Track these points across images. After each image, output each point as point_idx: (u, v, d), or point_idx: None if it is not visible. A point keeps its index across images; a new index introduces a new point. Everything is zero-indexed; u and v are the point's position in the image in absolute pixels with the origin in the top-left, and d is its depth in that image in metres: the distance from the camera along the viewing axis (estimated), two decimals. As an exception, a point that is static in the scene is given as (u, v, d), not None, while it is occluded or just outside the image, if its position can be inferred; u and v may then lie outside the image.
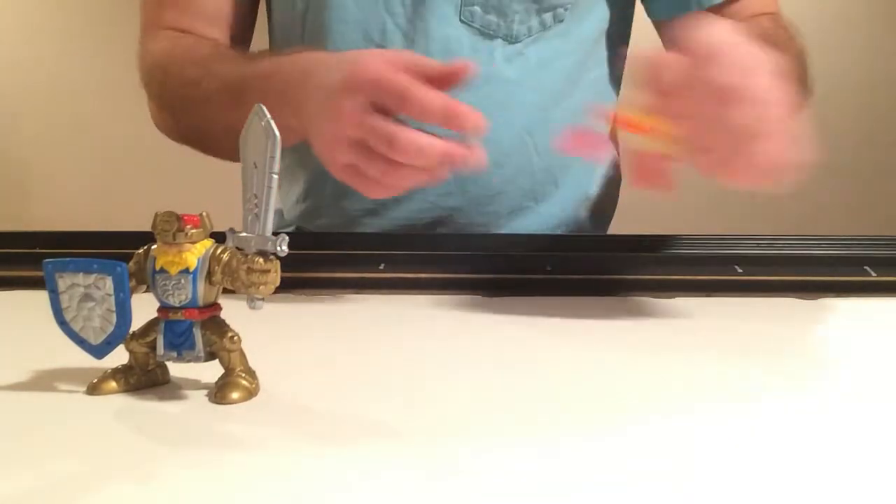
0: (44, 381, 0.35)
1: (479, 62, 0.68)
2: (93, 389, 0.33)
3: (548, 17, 0.70)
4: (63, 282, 0.32)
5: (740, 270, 0.59)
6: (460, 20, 0.68)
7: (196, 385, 0.35)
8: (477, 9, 0.67)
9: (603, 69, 0.75)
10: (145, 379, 0.34)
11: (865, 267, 0.59)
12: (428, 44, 0.68)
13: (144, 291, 0.33)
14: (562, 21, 0.70)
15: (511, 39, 0.69)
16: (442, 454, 0.27)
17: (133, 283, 0.33)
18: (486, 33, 0.68)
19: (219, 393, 0.32)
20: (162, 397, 0.33)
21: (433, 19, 0.67)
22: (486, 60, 0.68)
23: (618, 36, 0.75)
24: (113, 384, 0.33)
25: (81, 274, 0.32)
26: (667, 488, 0.24)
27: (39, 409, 0.32)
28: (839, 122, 2.70)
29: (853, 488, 0.24)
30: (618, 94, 0.77)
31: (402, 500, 0.24)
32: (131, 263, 0.33)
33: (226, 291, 0.34)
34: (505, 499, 0.24)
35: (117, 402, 0.32)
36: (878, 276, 0.58)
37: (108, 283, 0.32)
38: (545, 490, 0.24)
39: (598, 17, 0.73)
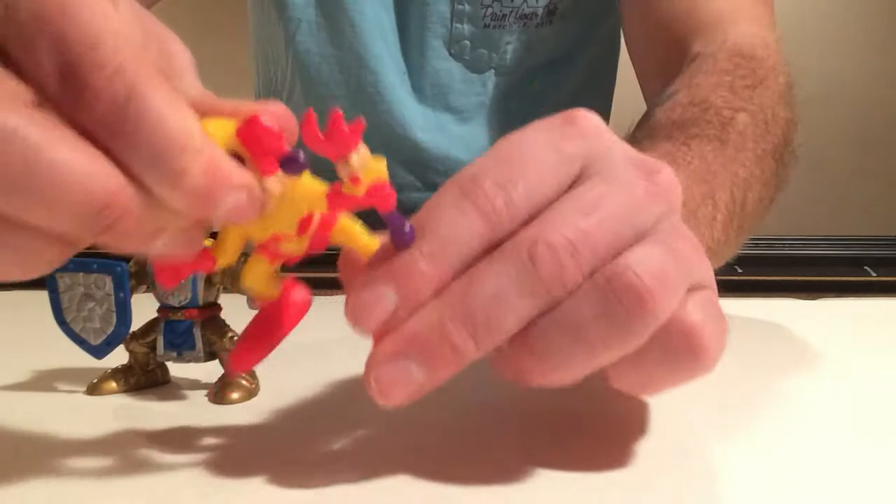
0: (44, 381, 0.35)
1: (471, 95, 0.68)
2: (93, 389, 0.33)
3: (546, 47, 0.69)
4: (63, 282, 0.32)
5: (740, 270, 0.59)
6: (450, 54, 0.67)
7: (196, 385, 0.35)
8: (466, 43, 0.67)
9: (605, 99, 0.75)
10: (145, 379, 0.34)
11: (865, 267, 0.59)
12: (420, 77, 0.68)
13: (144, 291, 0.33)
14: (562, 51, 0.70)
15: (507, 72, 0.68)
16: (441, 456, 0.27)
17: (133, 283, 0.33)
18: (478, 67, 0.68)
19: (219, 393, 0.32)
20: (162, 397, 0.33)
21: (423, 53, 0.67)
22: (480, 93, 0.68)
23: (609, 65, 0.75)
24: (113, 384, 0.34)
25: (81, 274, 0.32)
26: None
27: (39, 409, 0.32)
28: (840, 122, 2.70)
29: (857, 490, 0.24)
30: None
31: (404, 500, 0.24)
32: (131, 263, 0.33)
33: (226, 291, 0.34)
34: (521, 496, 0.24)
35: (117, 402, 0.32)
36: (878, 276, 0.58)
37: (108, 283, 0.32)
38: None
39: (597, 45, 0.72)
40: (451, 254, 0.22)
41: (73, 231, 0.19)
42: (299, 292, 0.25)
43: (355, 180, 0.22)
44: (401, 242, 0.23)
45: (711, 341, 0.23)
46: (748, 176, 0.41)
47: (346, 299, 0.23)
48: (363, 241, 0.24)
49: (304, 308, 0.25)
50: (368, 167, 0.22)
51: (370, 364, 0.23)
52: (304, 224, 0.23)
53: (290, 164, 0.21)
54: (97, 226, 0.19)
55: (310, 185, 0.22)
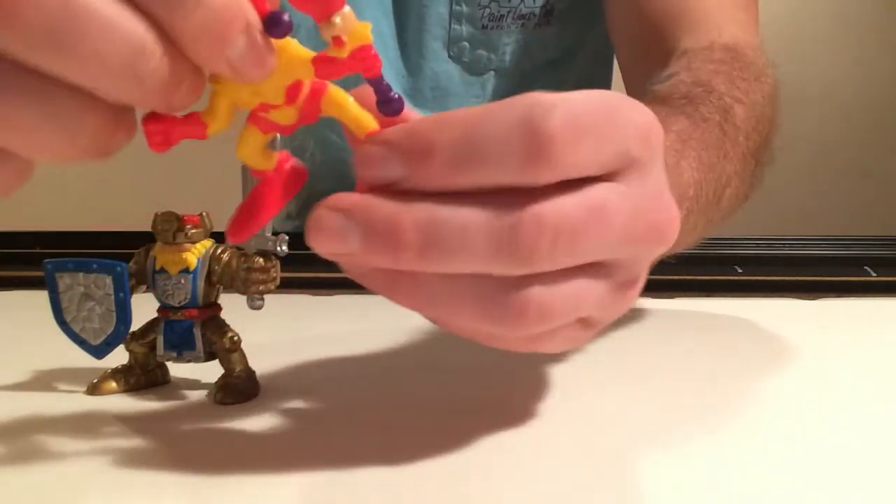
0: (44, 381, 0.35)
1: (470, 97, 0.68)
2: (93, 389, 0.33)
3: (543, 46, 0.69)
4: (63, 282, 0.32)
5: (740, 270, 0.59)
6: (449, 56, 0.67)
7: (196, 385, 0.35)
8: (465, 44, 0.67)
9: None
10: (145, 379, 0.34)
11: (865, 267, 0.59)
12: (419, 80, 0.68)
13: (144, 291, 0.33)
14: (560, 53, 0.70)
15: (506, 74, 0.68)
16: (437, 454, 0.27)
17: (133, 283, 0.33)
18: (477, 69, 0.68)
19: (219, 393, 0.32)
20: (162, 397, 0.33)
21: (423, 56, 0.67)
22: (479, 95, 0.68)
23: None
24: (113, 384, 0.34)
25: (81, 274, 0.32)
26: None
27: (39, 409, 0.32)
28: (840, 122, 2.70)
29: (858, 488, 0.24)
30: None
31: (404, 497, 0.24)
32: (131, 263, 0.33)
33: (226, 291, 0.34)
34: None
35: (117, 402, 0.32)
36: (878, 276, 0.58)
37: (108, 283, 0.32)
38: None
39: (592, 46, 0.72)
40: (469, 168, 0.21)
41: (109, 83, 0.19)
42: (295, 163, 0.25)
43: (339, 42, 0.21)
44: (388, 109, 0.22)
45: None
46: (732, 173, 0.41)
47: (356, 149, 0.23)
48: (353, 112, 0.23)
49: (302, 179, 0.25)
50: (353, 30, 0.21)
51: (324, 202, 0.22)
52: (291, 92, 0.22)
53: (273, 25, 0.20)
54: (132, 75, 0.19)
55: (296, 51, 0.22)
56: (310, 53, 0.22)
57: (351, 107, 0.23)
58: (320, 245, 0.22)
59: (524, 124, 0.21)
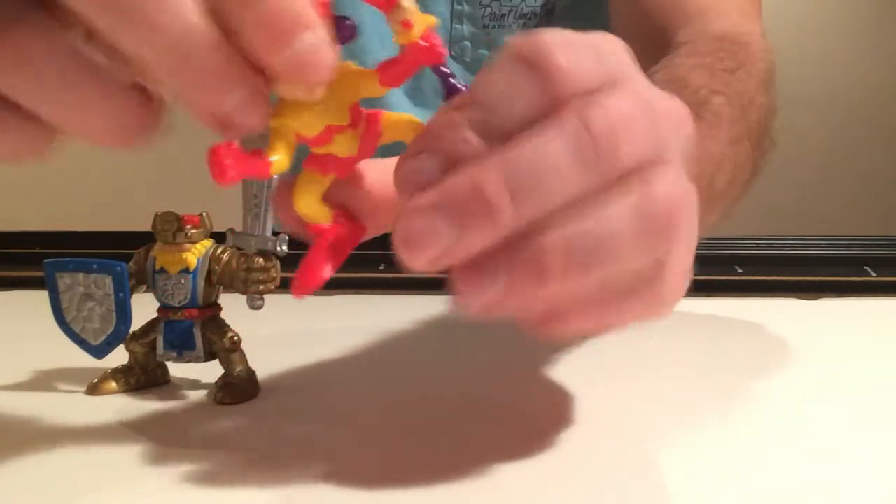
0: (44, 381, 0.35)
1: None
2: (93, 389, 0.33)
3: None
4: (63, 282, 0.32)
5: (740, 270, 0.59)
6: (450, 56, 0.67)
7: (196, 385, 0.35)
8: (467, 44, 0.67)
9: None
10: (145, 379, 0.34)
11: (865, 267, 0.59)
12: (420, 80, 0.68)
13: (144, 291, 0.33)
14: None
15: None
16: (438, 455, 0.27)
17: (133, 282, 0.33)
18: (478, 68, 0.68)
19: (219, 393, 0.32)
20: (162, 397, 0.33)
21: None
22: None
23: None
24: (113, 384, 0.34)
25: (81, 274, 0.32)
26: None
27: (39, 409, 0.32)
28: (839, 121, 2.70)
29: (858, 488, 0.24)
30: None
31: (404, 498, 0.24)
32: (131, 263, 0.33)
33: (226, 291, 0.34)
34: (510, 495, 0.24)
35: (117, 402, 0.32)
36: (878, 276, 0.58)
37: (108, 283, 0.32)
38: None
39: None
40: (497, 123, 0.21)
41: (158, 58, 0.19)
42: (354, 219, 0.24)
43: (407, 24, 0.22)
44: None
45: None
46: (720, 155, 0.40)
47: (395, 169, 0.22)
48: (415, 121, 0.23)
49: (360, 233, 0.24)
50: (420, 14, 0.22)
51: (401, 215, 0.21)
52: (354, 113, 0.23)
53: (340, 30, 0.21)
54: (180, 54, 0.19)
55: (356, 68, 0.22)
56: (370, 70, 0.22)
57: (411, 120, 0.23)
58: (420, 255, 0.20)
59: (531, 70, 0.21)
